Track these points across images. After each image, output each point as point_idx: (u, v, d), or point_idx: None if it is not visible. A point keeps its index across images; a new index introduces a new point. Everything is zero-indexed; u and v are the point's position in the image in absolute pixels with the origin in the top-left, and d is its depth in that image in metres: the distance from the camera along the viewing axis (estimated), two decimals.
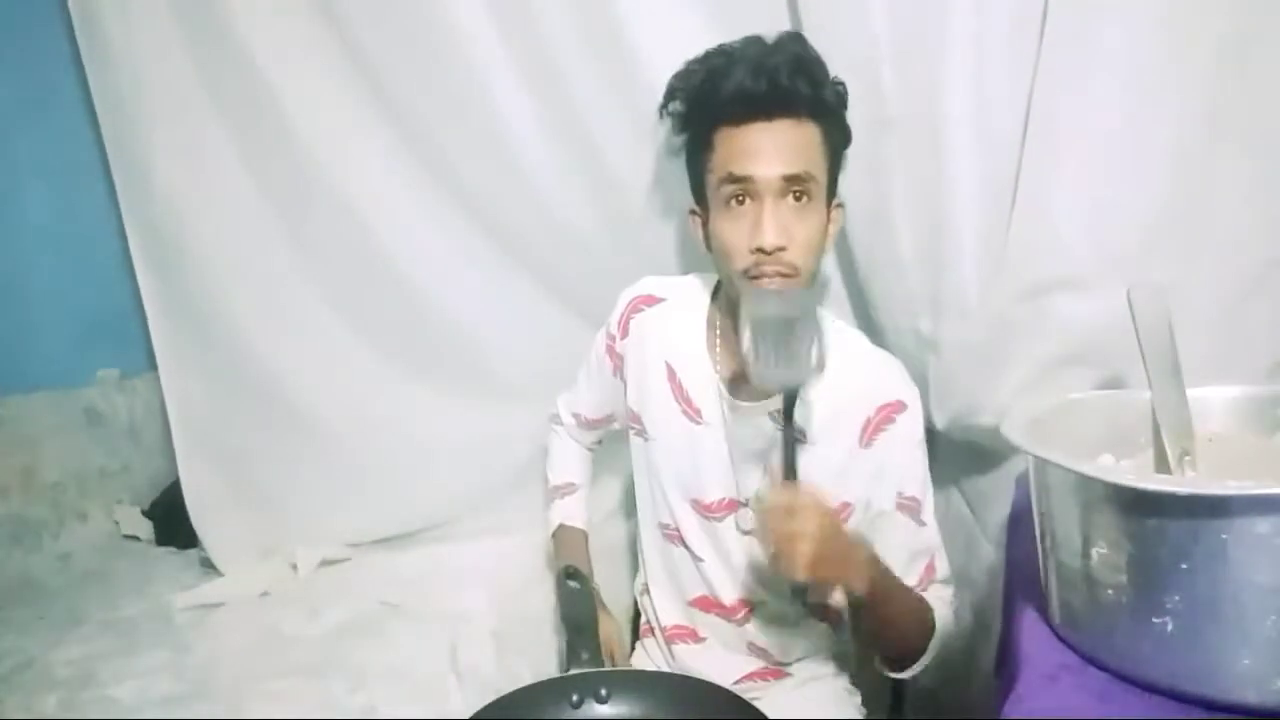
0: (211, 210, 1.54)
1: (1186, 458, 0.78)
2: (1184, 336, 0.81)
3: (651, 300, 1.18)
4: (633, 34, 1.19)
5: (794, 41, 1.02)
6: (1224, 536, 0.59)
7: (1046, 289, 1.10)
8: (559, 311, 1.47)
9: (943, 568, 1.10)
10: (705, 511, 1.13)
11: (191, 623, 1.42)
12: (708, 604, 1.17)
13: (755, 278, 0.98)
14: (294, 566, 1.55)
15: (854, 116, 1.13)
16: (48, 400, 1.78)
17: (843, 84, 1.05)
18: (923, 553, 1.09)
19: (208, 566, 1.62)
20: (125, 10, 1.50)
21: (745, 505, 1.11)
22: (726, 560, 1.14)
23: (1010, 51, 1.06)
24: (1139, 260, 1.05)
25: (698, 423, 1.12)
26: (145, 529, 1.82)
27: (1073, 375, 1.11)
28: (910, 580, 1.07)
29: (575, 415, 1.30)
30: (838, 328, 1.13)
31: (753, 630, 1.16)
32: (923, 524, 1.10)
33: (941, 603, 1.09)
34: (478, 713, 0.98)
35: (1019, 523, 1.00)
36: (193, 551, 1.68)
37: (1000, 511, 1.22)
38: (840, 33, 1.10)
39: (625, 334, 1.18)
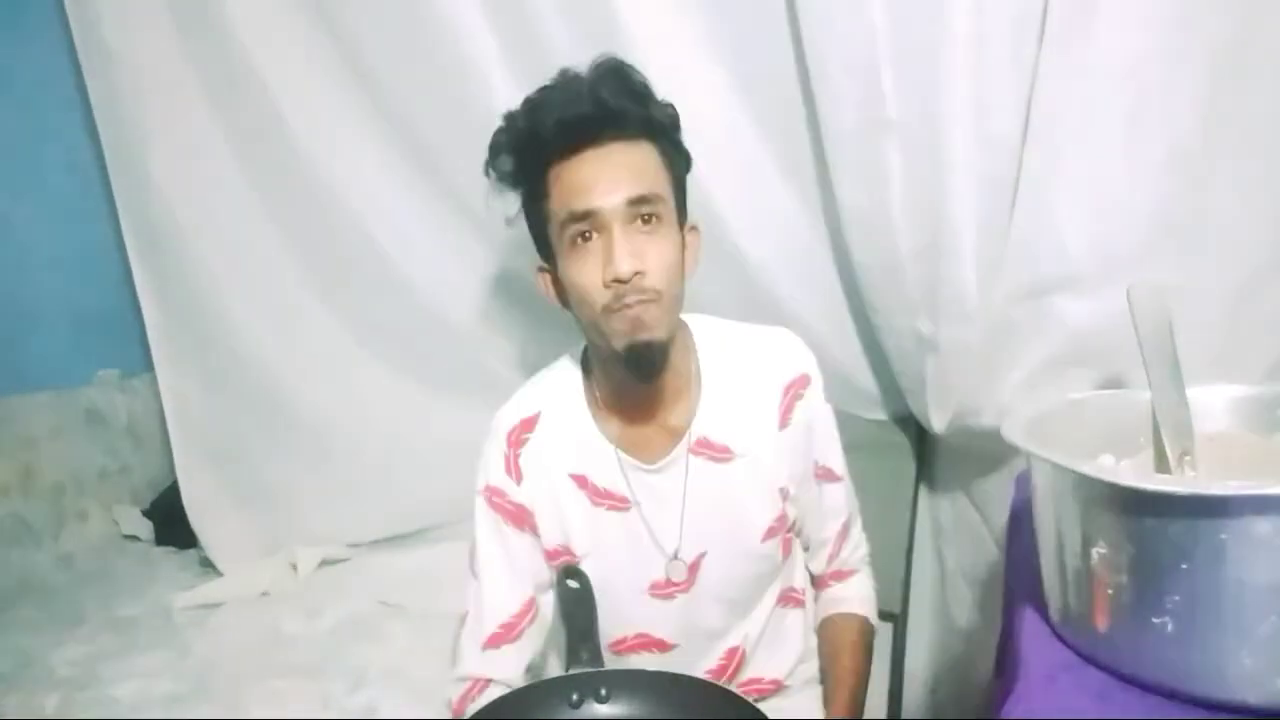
0: (208, 211, 1.54)
1: (1186, 458, 0.78)
2: (1184, 336, 0.81)
3: (531, 423, 1.05)
4: (630, 34, 1.19)
5: (614, 64, 0.96)
6: (1224, 536, 0.59)
7: (1046, 289, 1.10)
8: (558, 311, 1.47)
9: (856, 520, 1.12)
10: (662, 592, 1.05)
11: (191, 623, 1.42)
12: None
13: (618, 310, 0.92)
14: (294, 566, 1.55)
15: (854, 117, 1.13)
16: (48, 400, 1.79)
17: (673, 106, 0.99)
18: (837, 511, 1.10)
19: (208, 566, 1.62)
20: (123, 13, 1.51)
21: (676, 558, 1.03)
22: (694, 632, 1.07)
23: (1010, 51, 1.06)
24: (1139, 260, 1.05)
25: (625, 510, 1.03)
26: (145, 529, 1.82)
27: (1073, 375, 1.11)
28: (826, 534, 1.10)
29: (495, 636, 1.04)
30: (713, 327, 1.08)
31: (739, 675, 1.11)
32: (838, 481, 1.09)
33: (861, 565, 1.14)
34: (478, 713, 0.98)
35: (1019, 523, 1.00)
36: (193, 551, 1.69)
37: (1003, 512, 1.22)
38: (840, 33, 1.10)
39: (521, 476, 1.04)
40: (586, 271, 0.93)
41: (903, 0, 1.07)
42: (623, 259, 0.90)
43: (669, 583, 1.05)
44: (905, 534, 1.38)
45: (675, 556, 1.04)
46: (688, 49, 1.16)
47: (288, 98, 1.44)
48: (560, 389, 1.07)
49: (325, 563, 1.56)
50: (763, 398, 1.03)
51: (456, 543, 1.54)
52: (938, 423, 1.25)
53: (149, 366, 1.71)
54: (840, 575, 1.13)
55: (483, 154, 1.34)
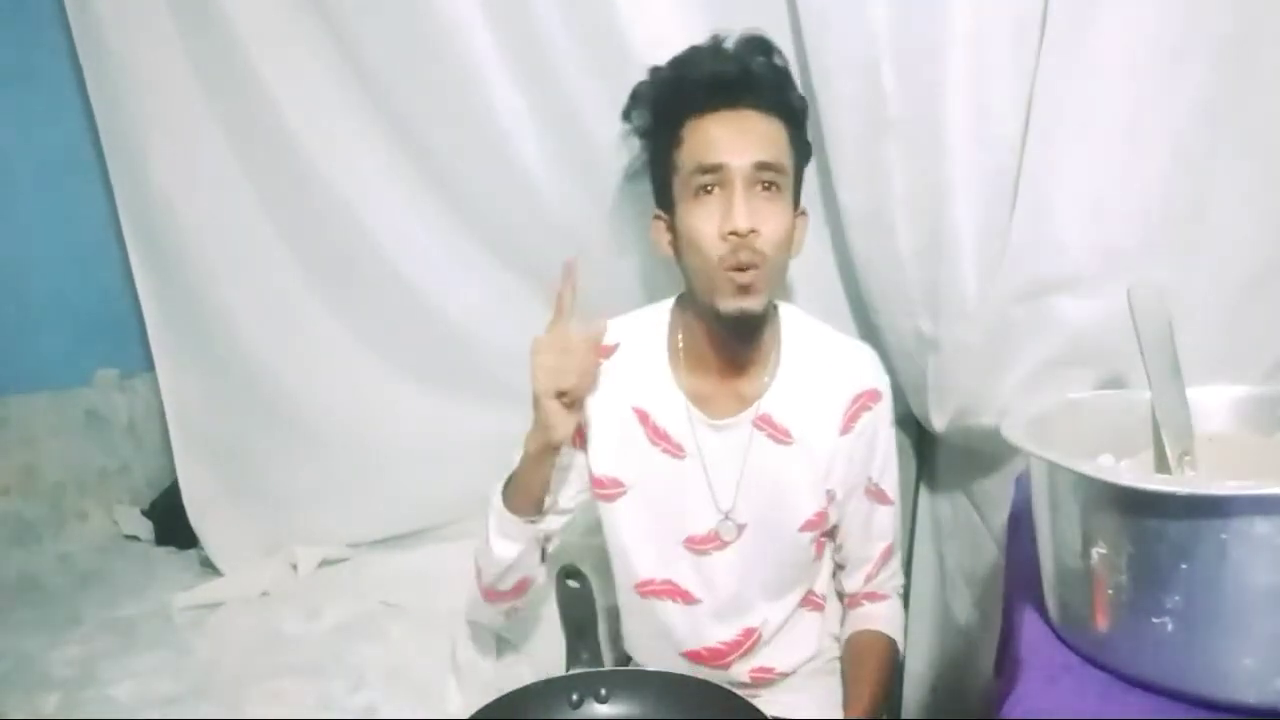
0: (208, 211, 1.54)
1: (1186, 458, 0.78)
2: (1184, 336, 0.81)
3: (609, 350, 1.10)
4: (630, 34, 1.19)
5: (764, 41, 1.03)
6: (1224, 536, 0.59)
7: (1046, 289, 1.10)
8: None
9: (898, 549, 1.17)
10: (701, 545, 1.10)
11: (191, 623, 1.42)
12: (700, 657, 1.13)
13: (727, 267, 0.98)
14: (294, 566, 1.55)
15: (854, 117, 1.13)
16: (48, 400, 1.79)
17: (805, 99, 1.06)
18: (883, 534, 1.14)
19: (208, 566, 1.62)
20: (122, 12, 1.50)
21: (726, 519, 1.08)
22: (728, 598, 1.11)
23: (1010, 51, 1.06)
24: (1139, 260, 1.05)
25: (681, 457, 1.08)
26: (145, 529, 1.82)
27: (1073, 375, 1.11)
28: (868, 553, 1.14)
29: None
30: (801, 319, 1.13)
31: (753, 657, 1.13)
32: (889, 504, 1.13)
33: (895, 593, 1.18)
34: (478, 713, 0.98)
35: (1019, 523, 1.00)
36: (193, 551, 1.68)
37: (1003, 512, 1.22)
38: (840, 33, 1.10)
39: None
40: (705, 221, 0.99)
41: (903, 0, 1.07)
42: (741, 215, 0.96)
43: (711, 538, 1.09)
44: (905, 534, 1.38)
45: (727, 517, 1.08)
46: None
47: (288, 97, 1.44)
48: (646, 329, 1.12)
49: (325, 563, 1.56)
50: (831, 398, 1.08)
51: (456, 542, 1.54)
52: (938, 423, 1.25)
53: (149, 366, 1.71)
54: (874, 597, 1.17)
55: (482, 155, 1.35)
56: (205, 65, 1.49)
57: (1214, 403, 0.84)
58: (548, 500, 1.08)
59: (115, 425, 1.88)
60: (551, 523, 1.11)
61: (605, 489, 1.11)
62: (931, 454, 1.41)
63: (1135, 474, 0.72)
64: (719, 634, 1.12)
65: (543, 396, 0.99)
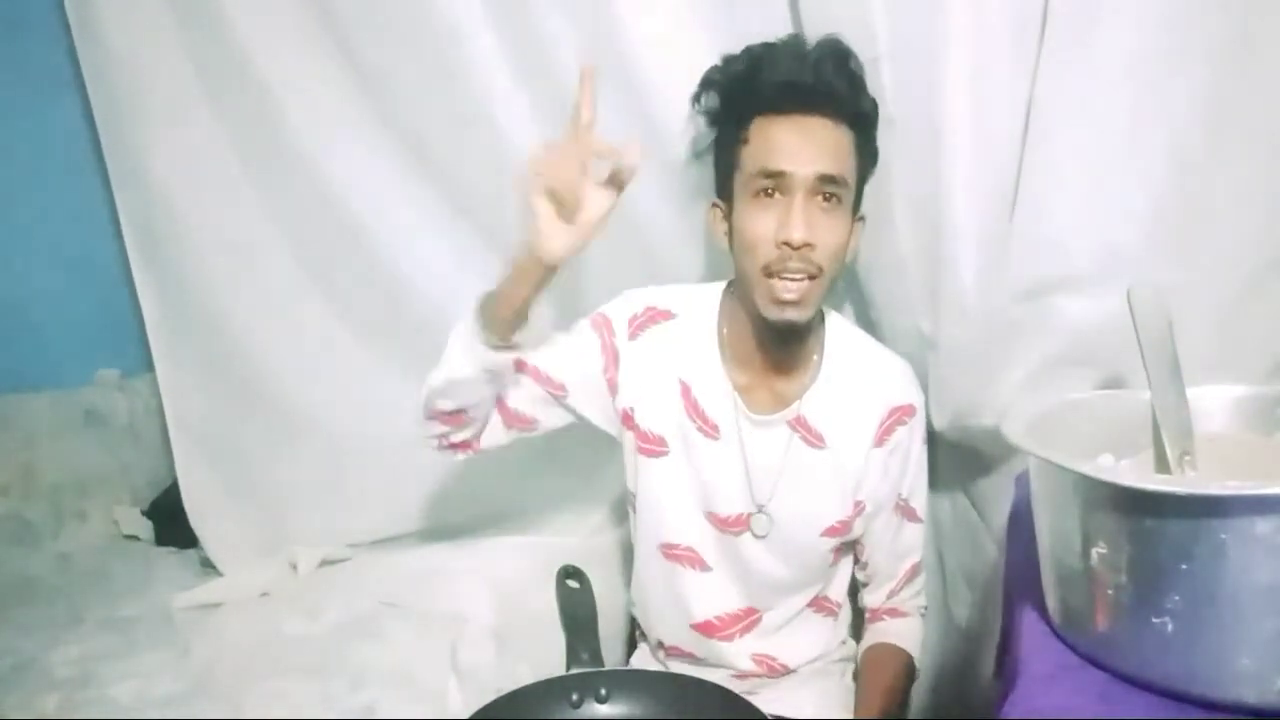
0: (208, 211, 1.54)
1: (1186, 458, 0.78)
2: (1184, 336, 0.81)
3: (666, 315, 1.13)
4: (632, 39, 1.18)
5: (841, 46, 1.03)
6: (1224, 536, 0.59)
7: (1046, 289, 1.10)
8: (557, 316, 1.46)
9: (923, 570, 1.20)
10: (722, 525, 1.13)
11: (191, 623, 1.41)
12: (711, 628, 1.15)
13: (776, 274, 0.99)
14: (294, 566, 1.55)
15: None
16: (48, 400, 1.78)
17: (875, 102, 1.05)
18: (910, 551, 1.16)
19: (208, 566, 1.62)
20: (123, 12, 1.50)
21: (760, 512, 1.10)
22: (739, 571, 1.14)
23: (1010, 51, 1.06)
24: (1139, 260, 1.05)
25: (714, 438, 1.10)
26: (145, 529, 1.82)
27: (1073, 375, 1.11)
28: (894, 570, 1.16)
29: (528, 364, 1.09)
30: (846, 328, 1.15)
31: (756, 639, 1.15)
32: (918, 522, 1.15)
33: (917, 613, 1.19)
34: (477, 713, 0.98)
35: (1019, 523, 1.00)
36: (193, 551, 1.68)
37: (1003, 512, 1.22)
38: (840, 33, 1.10)
39: (634, 337, 1.12)
40: (761, 225, 0.99)
41: (903, 0, 1.07)
42: (798, 226, 0.96)
43: (739, 522, 1.11)
44: None
45: (762, 510, 1.10)
46: (689, 53, 1.15)
47: (289, 97, 1.44)
48: (700, 308, 1.13)
49: (325, 563, 1.56)
50: (868, 409, 1.09)
51: (457, 543, 1.55)
52: (938, 422, 1.25)
53: (149, 366, 1.71)
54: (895, 613, 1.19)
55: (483, 156, 1.35)
56: (205, 65, 1.49)
57: (1214, 403, 0.84)
58: (519, 335, 1.03)
59: (115, 425, 1.87)
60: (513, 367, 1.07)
61: (650, 444, 1.12)
62: (932, 454, 1.41)
63: (1135, 474, 0.72)
64: (724, 604, 1.14)
65: (531, 193, 0.92)
